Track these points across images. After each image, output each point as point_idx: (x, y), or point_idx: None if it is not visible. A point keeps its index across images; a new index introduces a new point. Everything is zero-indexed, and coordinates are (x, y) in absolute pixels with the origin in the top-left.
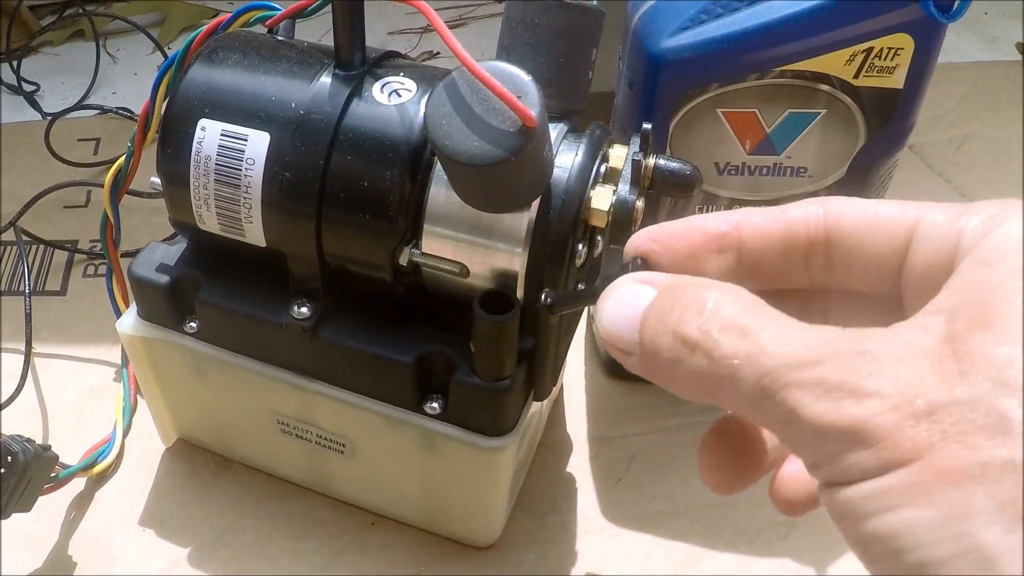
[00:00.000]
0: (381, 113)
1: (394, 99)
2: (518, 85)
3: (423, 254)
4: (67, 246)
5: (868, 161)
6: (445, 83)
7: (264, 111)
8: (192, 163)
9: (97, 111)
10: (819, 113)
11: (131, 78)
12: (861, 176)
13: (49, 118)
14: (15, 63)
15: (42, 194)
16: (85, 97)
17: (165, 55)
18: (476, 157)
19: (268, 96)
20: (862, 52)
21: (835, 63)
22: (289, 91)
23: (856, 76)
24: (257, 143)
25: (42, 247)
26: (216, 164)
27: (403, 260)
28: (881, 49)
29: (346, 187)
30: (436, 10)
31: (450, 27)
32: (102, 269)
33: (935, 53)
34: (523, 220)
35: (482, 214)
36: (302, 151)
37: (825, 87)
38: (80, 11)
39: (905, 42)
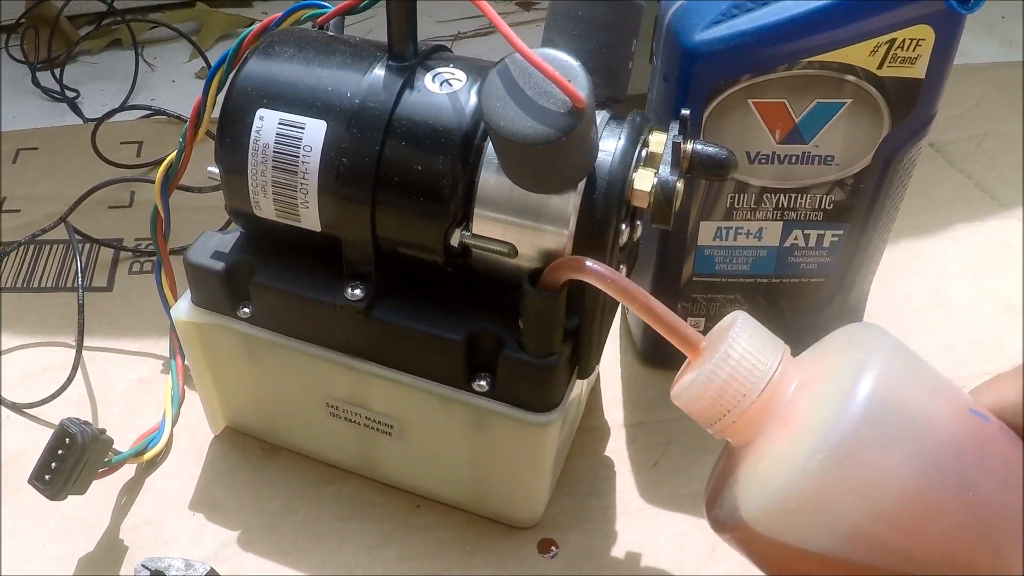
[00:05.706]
0: (433, 101)
1: (445, 88)
2: (567, 69)
3: (473, 235)
4: (113, 243)
5: (892, 149)
6: (498, 69)
7: (321, 101)
8: (250, 151)
9: (145, 112)
10: (845, 102)
11: (169, 85)
12: (885, 164)
13: (93, 122)
14: (58, 71)
15: (91, 191)
16: (126, 102)
17: (207, 61)
18: (529, 137)
19: (324, 87)
20: (885, 43)
21: (860, 54)
22: (344, 82)
23: (880, 67)
24: (314, 131)
25: (88, 245)
26: (274, 152)
27: (454, 241)
28: (903, 40)
29: (401, 172)
30: (465, 19)
31: (478, 35)
32: (147, 266)
33: (955, 44)
34: (569, 202)
35: (530, 196)
36: (358, 138)
37: (851, 77)
38: (120, 19)
39: (926, 33)
